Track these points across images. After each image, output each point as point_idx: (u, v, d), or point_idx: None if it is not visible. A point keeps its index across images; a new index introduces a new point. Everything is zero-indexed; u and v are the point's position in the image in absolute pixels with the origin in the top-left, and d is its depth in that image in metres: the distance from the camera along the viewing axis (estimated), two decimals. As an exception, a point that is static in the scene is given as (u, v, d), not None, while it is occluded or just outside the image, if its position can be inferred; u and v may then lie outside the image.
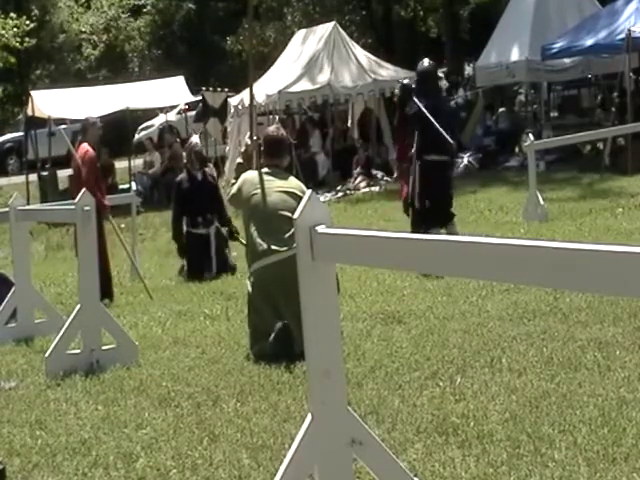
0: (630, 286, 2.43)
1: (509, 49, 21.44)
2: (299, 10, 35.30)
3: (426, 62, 10.78)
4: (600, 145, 19.63)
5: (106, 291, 9.17)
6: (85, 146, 10.08)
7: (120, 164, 24.62)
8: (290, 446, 3.63)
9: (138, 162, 24.85)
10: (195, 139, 13.41)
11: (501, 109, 23.31)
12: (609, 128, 17.47)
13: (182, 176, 11.95)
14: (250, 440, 5.15)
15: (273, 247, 6.99)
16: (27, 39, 32.00)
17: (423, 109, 10.01)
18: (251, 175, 7.39)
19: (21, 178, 25.09)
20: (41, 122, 23.63)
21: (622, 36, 17.97)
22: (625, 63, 18.02)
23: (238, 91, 22.46)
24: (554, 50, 19.58)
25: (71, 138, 13.31)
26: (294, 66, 21.96)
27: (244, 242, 8.11)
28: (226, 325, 8.23)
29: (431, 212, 10.23)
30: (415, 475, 4.13)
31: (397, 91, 10.96)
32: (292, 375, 6.29)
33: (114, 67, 40.69)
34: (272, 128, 8.23)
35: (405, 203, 10.82)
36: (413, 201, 10.39)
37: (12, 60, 33.50)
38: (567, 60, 20.53)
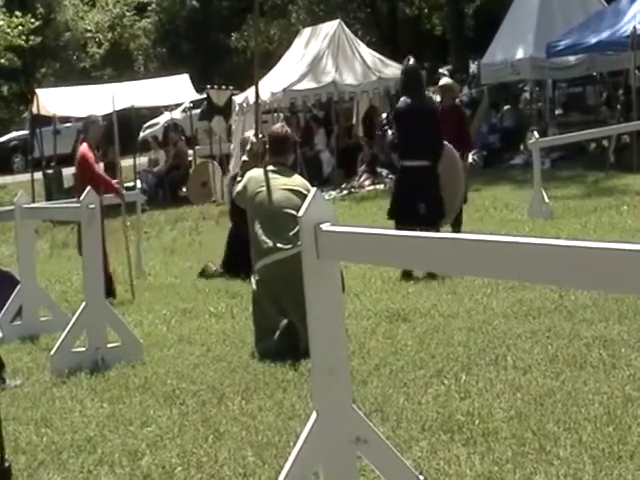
0: (635, 284, 2.43)
1: (514, 47, 21.42)
2: (304, 8, 35.32)
3: (408, 61, 10.36)
4: (605, 143, 19.61)
5: (109, 289, 9.17)
6: (83, 146, 10.00)
7: (125, 162, 24.60)
8: (295, 444, 3.63)
9: (143, 160, 24.87)
10: (248, 134, 13.30)
11: (506, 107, 23.28)
12: (614, 126, 17.45)
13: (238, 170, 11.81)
14: (255, 438, 5.16)
15: (278, 245, 7.00)
16: (32, 37, 32.03)
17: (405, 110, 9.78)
18: (256, 173, 7.39)
19: (26, 176, 25.05)
20: (46, 120, 23.63)
21: (627, 33, 17.95)
22: (630, 60, 18.00)
23: (243, 89, 22.46)
24: (559, 48, 19.55)
25: (76, 136, 13.32)
26: (299, 64, 21.95)
27: None
28: (231, 323, 8.24)
29: (403, 214, 9.72)
30: (420, 473, 4.12)
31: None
32: (297, 373, 6.30)
33: (119, 65, 40.72)
34: (277, 126, 8.23)
35: None
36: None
37: (16, 61, 33.53)
38: (572, 58, 20.51)
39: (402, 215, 9.75)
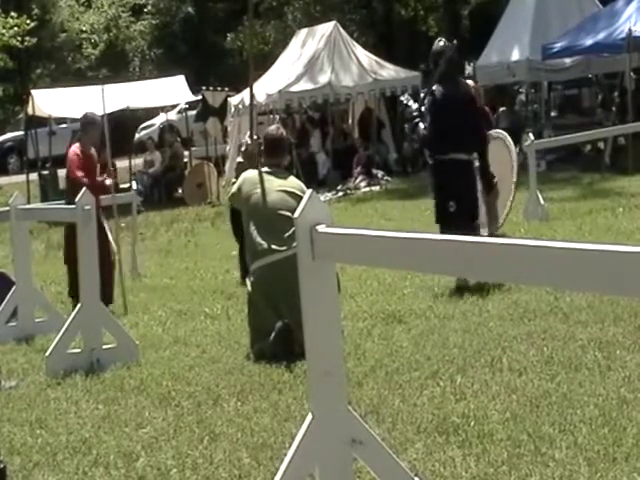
0: (630, 286, 2.43)
1: (510, 48, 21.44)
2: (299, 9, 35.28)
3: (440, 42, 9.25)
4: (601, 145, 19.62)
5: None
6: (73, 147, 9.46)
7: (120, 163, 24.61)
8: (290, 445, 3.63)
9: (138, 161, 24.87)
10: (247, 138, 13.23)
11: (501, 108, 23.28)
12: (610, 128, 17.46)
13: None
14: (250, 439, 5.16)
15: (273, 247, 7.00)
16: (27, 38, 31.99)
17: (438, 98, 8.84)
18: (251, 174, 7.39)
19: (22, 177, 25.08)
20: (42, 121, 23.62)
21: (623, 35, 17.97)
22: (626, 62, 18.02)
23: (238, 90, 22.45)
24: (555, 49, 19.57)
25: (71, 137, 13.28)
26: (295, 65, 21.96)
27: None
28: (226, 324, 8.23)
29: (452, 216, 8.70)
30: (415, 475, 4.12)
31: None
32: (292, 374, 6.30)
33: (114, 66, 40.67)
34: (272, 127, 8.23)
35: None
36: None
37: (10, 63, 33.47)
38: (567, 59, 20.52)
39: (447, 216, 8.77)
